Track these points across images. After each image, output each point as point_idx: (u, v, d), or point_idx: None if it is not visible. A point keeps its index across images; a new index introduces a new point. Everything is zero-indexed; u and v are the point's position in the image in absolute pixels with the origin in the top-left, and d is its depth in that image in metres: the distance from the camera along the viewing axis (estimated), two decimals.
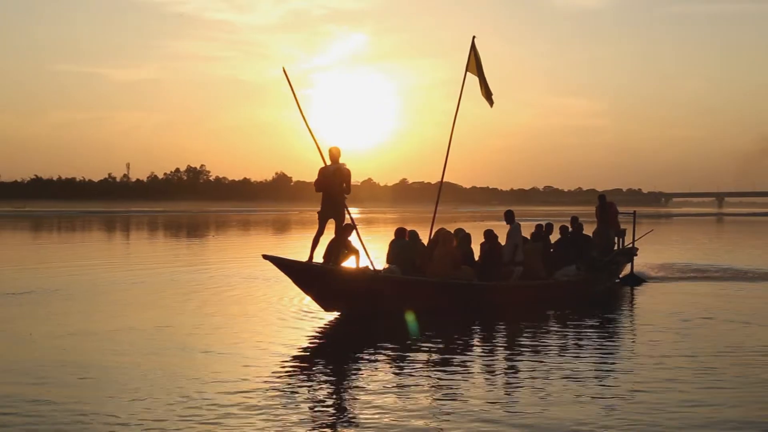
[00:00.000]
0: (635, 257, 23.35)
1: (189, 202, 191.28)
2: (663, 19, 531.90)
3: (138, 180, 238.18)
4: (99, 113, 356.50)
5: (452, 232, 17.65)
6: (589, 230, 22.01)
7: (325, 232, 15.92)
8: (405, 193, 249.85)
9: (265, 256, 15.27)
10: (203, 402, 9.14)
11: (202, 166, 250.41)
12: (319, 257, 16.11)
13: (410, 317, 14.96)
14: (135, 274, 23.80)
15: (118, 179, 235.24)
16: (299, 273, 15.61)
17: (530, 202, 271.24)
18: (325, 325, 14.96)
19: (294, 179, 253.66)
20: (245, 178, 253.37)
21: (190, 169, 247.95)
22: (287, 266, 15.61)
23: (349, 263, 16.29)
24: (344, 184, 16.08)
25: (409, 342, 13.17)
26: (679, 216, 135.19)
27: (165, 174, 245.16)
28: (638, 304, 18.94)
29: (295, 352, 12.48)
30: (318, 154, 16.56)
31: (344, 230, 16.20)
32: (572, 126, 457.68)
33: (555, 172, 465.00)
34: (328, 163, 16.12)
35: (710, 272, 25.45)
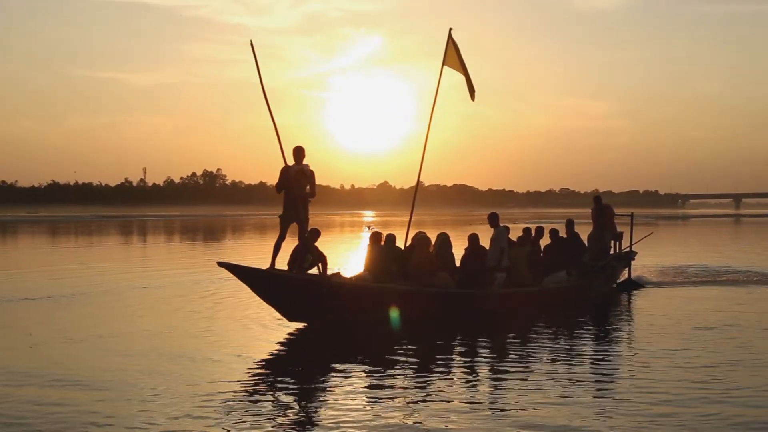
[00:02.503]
0: (633, 261, 22.40)
1: (206, 206, 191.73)
2: (678, 19, 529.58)
3: (155, 184, 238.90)
4: (116, 118, 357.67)
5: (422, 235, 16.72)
6: (584, 233, 21.19)
7: (288, 237, 15.10)
8: (421, 195, 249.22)
9: (220, 264, 14.24)
10: (178, 410, 9.08)
11: (218, 170, 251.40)
12: (282, 264, 15.25)
13: (394, 312, 14.68)
14: (152, 279, 23.91)
15: (134, 183, 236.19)
16: (259, 282, 14.64)
17: (547, 204, 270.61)
18: (301, 333, 14.49)
19: None
20: (261, 182, 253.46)
21: (207, 173, 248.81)
22: (245, 274, 14.57)
23: (315, 271, 15.25)
24: (308, 187, 15.16)
25: (384, 353, 12.44)
26: (696, 217, 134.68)
27: (181, 178, 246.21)
28: (634, 311, 18.11)
29: (282, 360, 12.45)
30: (284, 154, 15.38)
31: (310, 235, 15.25)
32: (588, 128, 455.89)
33: (571, 173, 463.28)
34: (291, 162, 15.19)
35: (718, 276, 24.61)
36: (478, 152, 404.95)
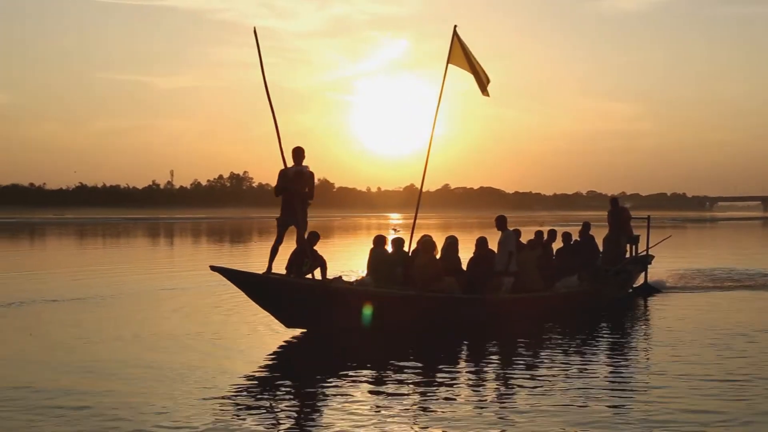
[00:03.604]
0: (649, 265, 21.69)
1: (233, 208, 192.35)
2: (700, 21, 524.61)
3: (182, 187, 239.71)
4: (142, 121, 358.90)
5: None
6: (601, 236, 20.70)
7: (285, 240, 14.72)
8: (447, 198, 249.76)
9: (213, 268, 13.66)
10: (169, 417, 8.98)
11: (245, 172, 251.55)
12: (279, 269, 14.77)
13: (367, 310, 14.16)
14: (179, 280, 24.08)
15: (162, 186, 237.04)
16: (255, 287, 14.07)
17: (574, 206, 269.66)
18: (300, 340, 14.09)
19: (337, 185, 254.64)
20: None
21: (234, 176, 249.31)
22: (240, 279, 14.02)
23: (314, 275, 14.82)
24: (306, 189, 14.70)
25: (386, 360, 12.01)
26: (723, 220, 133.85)
27: (208, 181, 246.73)
28: (649, 316, 17.59)
29: (282, 368, 12.13)
30: (283, 154, 14.65)
31: (309, 239, 14.81)
32: (613, 130, 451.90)
33: (598, 176, 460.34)
34: (290, 164, 14.72)
35: (743, 280, 24.00)
36: (503, 155, 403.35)
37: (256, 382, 10.95)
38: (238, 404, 9.62)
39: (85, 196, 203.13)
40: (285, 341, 13.91)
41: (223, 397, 9.86)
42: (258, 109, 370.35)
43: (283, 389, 10.47)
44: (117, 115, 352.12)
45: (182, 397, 9.78)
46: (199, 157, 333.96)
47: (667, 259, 29.05)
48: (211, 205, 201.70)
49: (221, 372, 11.31)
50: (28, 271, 28.44)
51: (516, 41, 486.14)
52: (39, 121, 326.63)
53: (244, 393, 10.23)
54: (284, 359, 12.81)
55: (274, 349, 13.32)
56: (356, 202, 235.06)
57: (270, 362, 12.38)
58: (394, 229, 73.08)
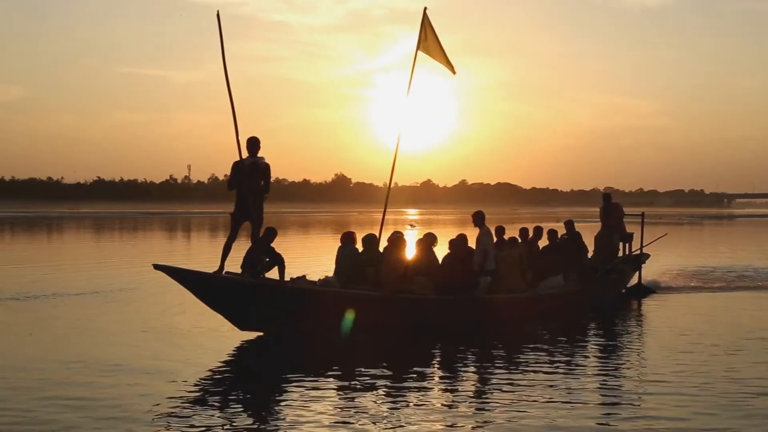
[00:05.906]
0: (644, 264, 20.56)
1: None
2: (721, 17, 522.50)
3: (199, 181, 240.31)
4: (160, 115, 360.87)
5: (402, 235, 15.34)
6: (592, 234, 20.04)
7: (239, 237, 13.97)
8: (464, 194, 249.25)
9: (157, 266, 12.62)
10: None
11: None
12: (233, 267, 13.87)
13: (349, 316, 13.30)
14: None
15: (179, 181, 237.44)
16: (202, 287, 13.10)
17: (591, 203, 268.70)
18: (254, 343, 13.25)
19: (354, 180, 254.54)
20: (305, 180, 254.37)
21: None
22: (186, 279, 13.05)
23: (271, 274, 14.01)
24: (262, 182, 13.90)
25: (348, 367, 11.25)
26: (742, 217, 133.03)
27: (225, 175, 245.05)
28: (641, 320, 16.72)
29: (234, 375, 11.46)
30: (243, 145, 14.19)
31: (265, 235, 13.96)
32: (632, 126, 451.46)
33: (615, 172, 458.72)
34: (245, 155, 13.93)
35: (754, 279, 23.13)
36: (520, 150, 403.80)
37: (196, 394, 10.20)
38: (201, 407, 9.29)
39: (102, 191, 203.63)
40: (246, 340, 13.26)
41: (183, 400, 9.56)
42: (275, 103, 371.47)
43: (243, 394, 10.02)
44: (134, 109, 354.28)
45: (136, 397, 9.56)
46: (217, 152, 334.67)
47: (672, 257, 28.66)
48: (229, 200, 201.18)
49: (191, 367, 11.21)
50: (38, 264, 28.30)
51: (533, 37, 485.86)
52: (56, 114, 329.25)
53: (213, 393, 9.97)
54: (244, 362, 12.34)
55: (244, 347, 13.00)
56: (373, 197, 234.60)
57: (216, 371, 11.72)
58: (411, 225, 73.02)
